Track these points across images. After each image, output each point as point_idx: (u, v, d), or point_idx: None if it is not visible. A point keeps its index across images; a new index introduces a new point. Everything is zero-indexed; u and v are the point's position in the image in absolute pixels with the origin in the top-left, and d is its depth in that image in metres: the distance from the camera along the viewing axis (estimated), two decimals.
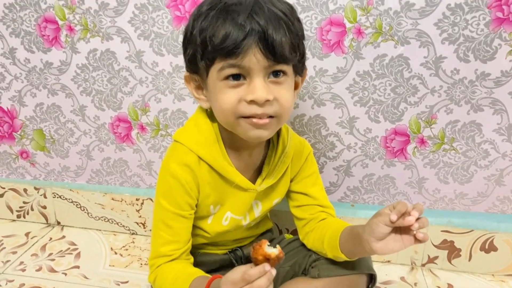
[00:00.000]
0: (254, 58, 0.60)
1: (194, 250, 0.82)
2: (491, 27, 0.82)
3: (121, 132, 1.09)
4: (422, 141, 0.95)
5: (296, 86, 0.71)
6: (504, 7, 0.81)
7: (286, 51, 0.61)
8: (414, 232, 0.61)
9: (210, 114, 0.73)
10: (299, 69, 0.68)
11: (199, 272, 0.70)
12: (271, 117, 0.65)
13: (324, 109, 0.95)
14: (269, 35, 0.59)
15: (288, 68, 0.65)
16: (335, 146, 0.99)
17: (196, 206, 0.75)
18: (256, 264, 0.55)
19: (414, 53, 0.87)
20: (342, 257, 0.71)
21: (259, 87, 0.62)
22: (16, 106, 1.12)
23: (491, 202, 0.98)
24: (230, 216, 0.78)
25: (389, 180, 1.00)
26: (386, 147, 0.97)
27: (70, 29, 1.00)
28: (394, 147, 0.96)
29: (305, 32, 0.87)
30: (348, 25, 0.87)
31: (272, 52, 0.60)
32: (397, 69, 0.89)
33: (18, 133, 1.16)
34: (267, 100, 0.62)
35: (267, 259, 0.55)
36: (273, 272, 0.55)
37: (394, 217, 0.59)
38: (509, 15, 0.81)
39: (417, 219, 0.59)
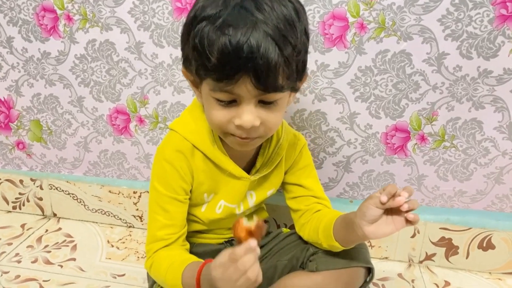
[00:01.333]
0: (245, 88, 0.59)
1: (190, 240, 0.82)
2: (495, 24, 0.82)
3: (119, 124, 1.08)
4: (423, 138, 0.94)
5: (294, 92, 0.69)
6: (508, 4, 0.80)
7: (279, 81, 0.59)
8: (405, 214, 0.61)
9: None
10: (297, 86, 0.66)
11: (193, 258, 0.71)
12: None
13: (325, 104, 0.95)
14: (264, 66, 0.56)
15: (281, 94, 0.62)
16: (335, 142, 0.98)
17: (191, 192, 0.76)
18: (241, 244, 0.55)
19: (417, 49, 0.86)
20: (337, 246, 0.71)
21: (246, 114, 0.61)
22: (13, 96, 1.11)
23: (490, 200, 0.98)
24: (224, 204, 0.79)
25: (389, 177, 1.00)
26: (386, 144, 0.96)
27: (69, 18, 0.98)
28: (395, 144, 0.96)
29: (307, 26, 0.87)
30: (351, 19, 0.86)
31: (264, 84, 0.58)
32: (399, 65, 0.88)
33: (15, 123, 1.15)
34: (254, 126, 0.62)
35: (250, 234, 0.55)
36: (258, 250, 0.55)
37: (384, 198, 0.60)
38: None
39: (408, 202, 0.60)
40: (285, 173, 0.83)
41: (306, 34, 0.63)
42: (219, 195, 0.78)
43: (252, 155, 0.78)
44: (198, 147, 0.73)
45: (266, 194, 0.83)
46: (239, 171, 0.75)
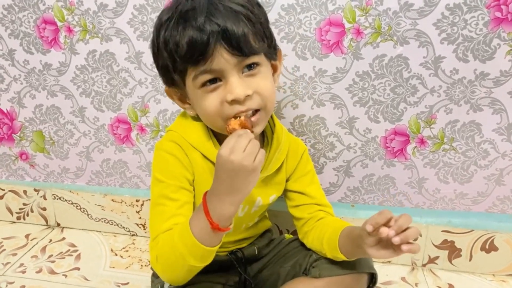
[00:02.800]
0: (223, 59, 0.61)
1: None
2: (490, 27, 0.82)
3: (120, 133, 1.09)
4: (422, 141, 0.94)
5: (275, 69, 0.72)
6: (502, 7, 0.81)
7: (251, 43, 0.62)
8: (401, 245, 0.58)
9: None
10: (272, 54, 0.69)
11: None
12: (256, 111, 0.66)
13: (324, 110, 0.95)
14: (231, 32, 0.60)
15: (260, 58, 0.65)
16: (335, 147, 0.98)
17: (194, 183, 0.73)
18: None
19: (413, 53, 0.87)
20: (342, 257, 0.71)
21: (235, 85, 0.63)
22: (16, 108, 1.12)
23: (491, 202, 0.98)
24: None
25: (389, 180, 1.00)
26: (386, 147, 0.97)
27: (69, 30, 1.00)
28: (394, 147, 0.96)
29: (304, 32, 0.88)
30: (347, 25, 0.87)
31: (238, 48, 0.61)
32: (396, 69, 0.89)
33: (18, 134, 1.16)
34: (247, 96, 0.63)
35: (243, 126, 0.62)
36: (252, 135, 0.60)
37: (370, 229, 0.59)
38: (507, 15, 0.81)
39: (400, 235, 0.57)
40: (287, 180, 0.82)
41: (263, 11, 0.68)
42: None
43: None
44: (196, 147, 0.72)
45: (269, 200, 0.81)
46: None
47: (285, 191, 0.84)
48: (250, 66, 0.64)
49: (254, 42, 0.63)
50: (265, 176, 0.78)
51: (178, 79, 0.67)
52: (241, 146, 0.58)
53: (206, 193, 0.63)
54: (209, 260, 0.65)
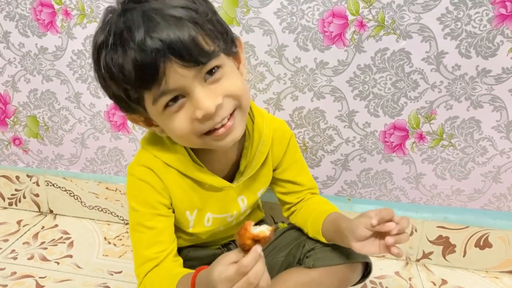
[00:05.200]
0: (178, 75, 0.54)
1: (186, 248, 0.81)
2: (494, 23, 0.82)
3: (117, 120, 1.07)
4: (421, 137, 0.94)
5: (238, 61, 0.65)
6: (507, 3, 0.80)
7: (204, 47, 0.55)
8: (390, 246, 0.61)
9: None
10: (230, 48, 0.61)
11: (186, 271, 0.66)
12: (231, 113, 0.60)
13: (324, 102, 0.94)
14: (177, 44, 0.52)
15: (219, 60, 0.58)
16: (333, 140, 0.98)
17: (172, 206, 0.71)
18: (245, 250, 0.51)
19: (416, 47, 0.86)
20: (323, 240, 0.73)
21: (202, 98, 0.56)
22: (10, 92, 1.10)
23: (487, 199, 0.98)
24: (212, 216, 0.75)
25: (387, 175, 1.00)
26: (385, 142, 0.96)
27: (67, 13, 0.98)
28: (393, 142, 0.96)
29: (306, 23, 0.87)
30: (350, 17, 0.86)
31: (191, 59, 0.54)
32: (398, 63, 0.88)
33: (11, 119, 1.14)
34: (218, 104, 0.57)
35: (256, 240, 0.51)
36: (262, 254, 0.52)
37: (375, 222, 0.60)
38: None
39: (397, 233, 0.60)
40: (275, 169, 0.80)
41: (208, 4, 0.60)
42: (204, 210, 0.74)
43: (235, 159, 0.74)
44: (170, 164, 0.68)
45: (257, 195, 0.80)
46: (219, 182, 0.71)
47: (274, 179, 0.81)
48: (211, 71, 0.57)
49: (208, 45, 0.55)
50: (251, 176, 0.75)
51: (136, 106, 0.60)
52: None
53: (198, 272, 0.59)
54: None
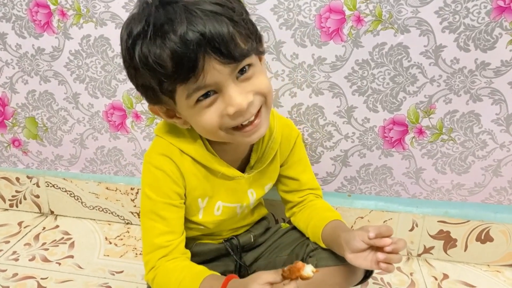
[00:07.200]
0: (216, 71, 0.56)
1: (190, 241, 0.81)
2: (492, 15, 0.81)
3: (115, 120, 1.07)
4: (420, 131, 0.94)
5: (260, 58, 0.67)
6: None
7: (241, 45, 0.57)
8: (380, 262, 0.61)
9: None
10: (258, 47, 0.63)
11: (206, 271, 0.67)
12: (258, 110, 0.63)
13: (322, 98, 0.94)
14: (218, 40, 0.54)
15: (251, 59, 0.60)
16: (332, 136, 0.98)
17: (185, 195, 0.73)
18: (284, 276, 0.55)
19: (414, 41, 0.86)
20: (323, 246, 0.75)
21: (235, 96, 0.58)
22: (8, 93, 1.10)
23: (488, 193, 0.98)
24: (222, 205, 0.77)
25: (387, 170, 0.99)
26: (384, 137, 0.96)
27: (63, 14, 0.97)
28: (392, 137, 0.96)
29: (303, 19, 0.87)
30: (347, 12, 0.86)
31: (229, 55, 0.55)
32: (396, 58, 0.88)
33: (10, 120, 1.14)
34: (249, 102, 0.59)
35: (300, 278, 0.55)
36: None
37: (372, 235, 0.61)
38: (510, 4, 0.80)
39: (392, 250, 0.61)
40: (281, 166, 0.82)
41: (241, 4, 0.61)
42: (215, 198, 0.76)
43: (246, 153, 0.77)
44: (185, 152, 0.70)
45: (264, 190, 0.82)
46: (231, 171, 0.73)
47: (278, 176, 0.84)
48: (242, 69, 0.59)
49: (243, 43, 0.57)
50: (260, 170, 0.77)
51: (166, 98, 0.61)
52: None
53: (230, 278, 0.62)
54: None
